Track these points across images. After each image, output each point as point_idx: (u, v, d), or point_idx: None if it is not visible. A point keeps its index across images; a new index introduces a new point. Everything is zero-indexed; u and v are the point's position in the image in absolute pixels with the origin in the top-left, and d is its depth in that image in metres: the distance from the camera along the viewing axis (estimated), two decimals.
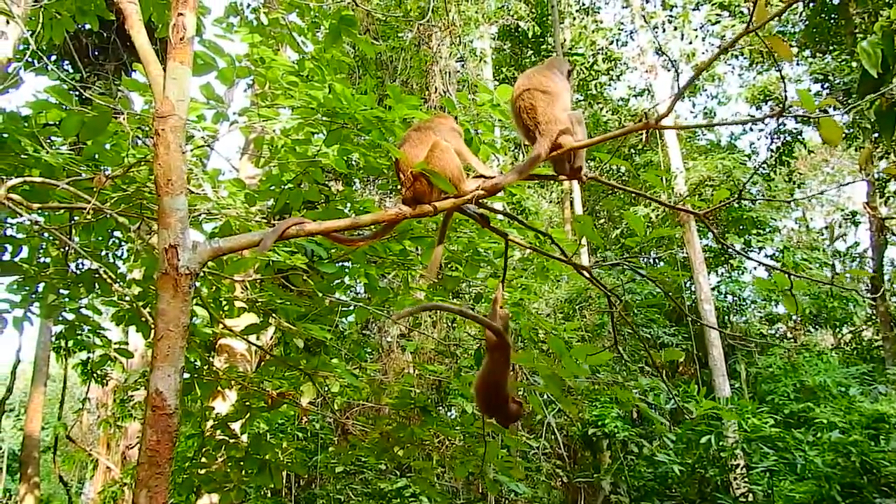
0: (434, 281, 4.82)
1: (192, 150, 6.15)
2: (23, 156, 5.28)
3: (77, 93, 5.93)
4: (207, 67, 4.89)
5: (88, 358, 10.68)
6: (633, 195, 20.04)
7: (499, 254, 5.55)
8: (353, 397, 6.91)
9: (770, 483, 11.19)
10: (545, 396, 12.81)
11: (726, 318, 19.48)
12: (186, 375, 6.37)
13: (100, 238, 6.05)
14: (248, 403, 6.70)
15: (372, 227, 3.45)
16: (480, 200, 3.45)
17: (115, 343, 7.03)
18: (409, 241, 5.91)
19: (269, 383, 6.58)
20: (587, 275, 3.92)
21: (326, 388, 6.59)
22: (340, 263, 5.99)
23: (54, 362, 12.07)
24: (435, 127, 3.43)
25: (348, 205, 6.25)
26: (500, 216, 4.52)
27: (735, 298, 19.10)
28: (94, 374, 11.31)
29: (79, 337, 6.74)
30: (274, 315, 5.69)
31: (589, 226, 3.61)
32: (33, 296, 6.85)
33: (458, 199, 3.36)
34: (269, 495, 9.63)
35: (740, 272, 19.42)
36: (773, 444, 10.49)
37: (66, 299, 6.30)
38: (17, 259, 6.52)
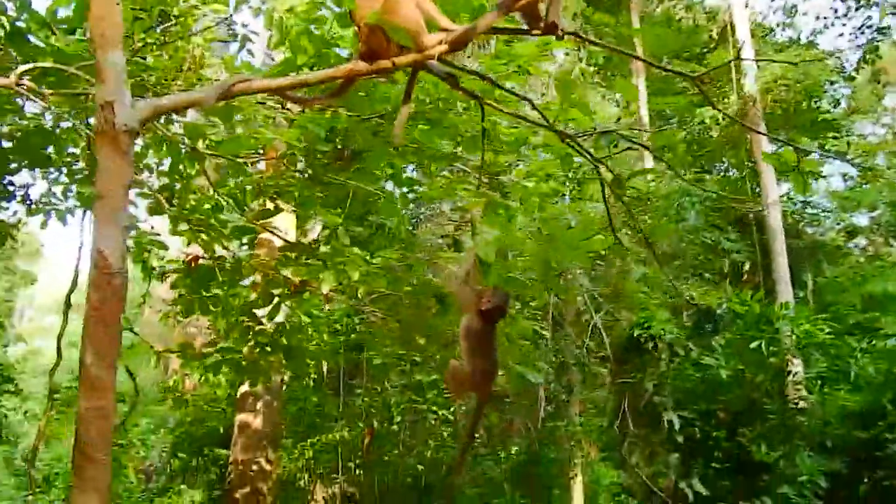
0: (402, 144, 4.56)
1: (201, 32, 6.02)
2: (38, 45, 5.26)
3: None
4: None
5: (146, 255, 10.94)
6: (703, 97, 18.98)
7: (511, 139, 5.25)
8: (373, 286, 6.86)
9: (822, 391, 10.83)
10: (591, 297, 12.60)
11: (798, 227, 18.64)
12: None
13: None
14: (272, 291, 6.73)
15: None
16: (446, 57, 3.19)
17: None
18: (424, 126, 5.69)
19: (291, 271, 6.56)
20: (575, 145, 3.64)
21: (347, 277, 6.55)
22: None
23: None
24: None
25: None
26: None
27: (806, 206, 18.16)
28: (153, 270, 11.61)
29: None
30: (276, 199, 5.62)
31: (569, 87, 3.32)
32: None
33: (419, 55, 3.10)
34: (310, 386, 9.91)
35: (815, 179, 18.39)
36: (826, 351, 10.07)
37: None
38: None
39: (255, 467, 8.59)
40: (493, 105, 3.65)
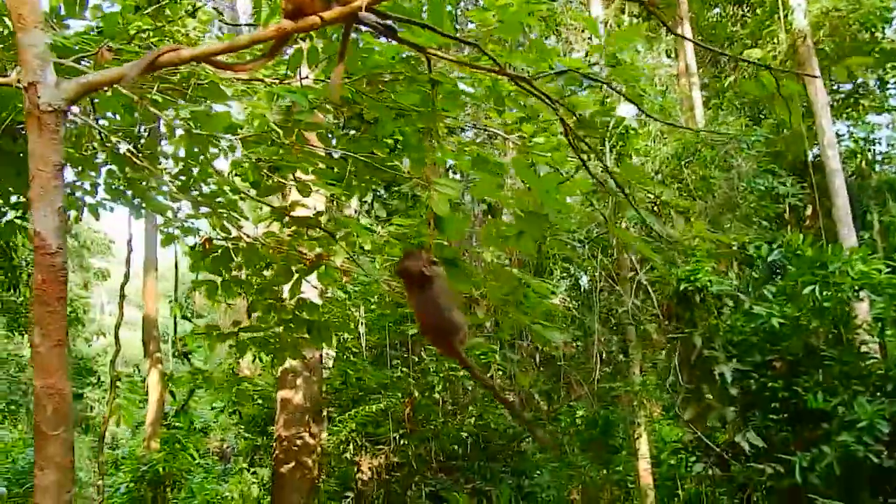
0: (339, 103, 4.43)
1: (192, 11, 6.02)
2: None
3: None
4: None
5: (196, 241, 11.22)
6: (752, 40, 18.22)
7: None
8: (389, 255, 6.80)
9: (883, 334, 10.31)
10: (638, 256, 12.29)
11: (862, 166, 17.71)
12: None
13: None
14: (291, 267, 6.77)
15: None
16: (376, 7, 3.08)
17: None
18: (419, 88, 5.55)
19: (305, 245, 6.57)
20: (533, 89, 3.47)
21: (361, 248, 6.54)
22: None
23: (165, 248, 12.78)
24: None
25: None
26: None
27: (870, 144, 17.23)
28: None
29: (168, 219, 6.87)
30: (274, 174, 5.60)
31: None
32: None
33: (346, 7, 3.00)
34: (350, 359, 9.99)
35: (877, 113, 17.43)
36: (882, 292, 9.56)
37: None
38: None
39: (298, 442, 8.74)
40: (438, 55, 3.51)
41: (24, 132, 6.78)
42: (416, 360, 9.50)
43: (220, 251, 6.60)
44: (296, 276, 6.79)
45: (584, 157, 3.90)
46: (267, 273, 7.43)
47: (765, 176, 14.58)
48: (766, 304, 10.41)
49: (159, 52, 2.98)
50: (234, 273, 6.87)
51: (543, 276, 13.78)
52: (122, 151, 5.92)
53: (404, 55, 4.32)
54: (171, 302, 13.37)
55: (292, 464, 8.66)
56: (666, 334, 11.35)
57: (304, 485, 8.64)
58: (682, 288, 10.69)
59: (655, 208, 13.11)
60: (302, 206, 6.61)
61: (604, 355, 14.04)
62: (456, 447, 10.51)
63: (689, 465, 10.97)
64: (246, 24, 7.26)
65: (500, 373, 9.69)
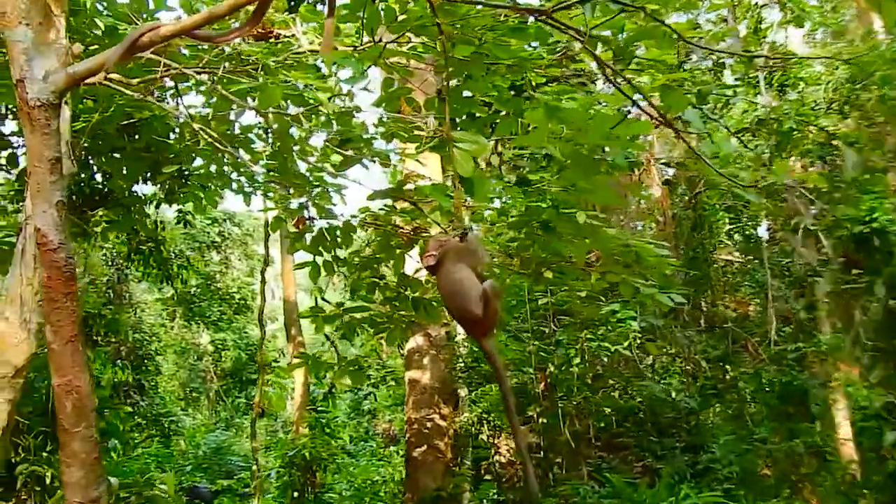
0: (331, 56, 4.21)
1: None
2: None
3: None
4: None
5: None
6: None
7: None
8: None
9: None
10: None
11: None
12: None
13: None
14: (390, 243, 6.77)
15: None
16: None
17: None
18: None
19: (401, 220, 6.54)
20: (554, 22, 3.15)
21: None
22: None
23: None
24: None
25: None
26: None
27: None
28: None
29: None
30: (345, 146, 5.57)
31: None
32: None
33: None
34: None
35: None
36: None
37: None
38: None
39: (429, 424, 8.80)
40: None
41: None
42: (550, 330, 9.26)
43: (316, 230, 6.72)
44: (397, 252, 6.82)
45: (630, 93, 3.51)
46: (368, 250, 7.50)
47: None
48: None
49: (138, 34, 2.99)
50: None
51: (702, 230, 12.99)
52: (210, 138, 6.06)
53: None
54: (314, 287, 13.86)
55: (424, 447, 8.74)
56: (842, 285, 10.32)
57: (438, 468, 8.71)
58: (855, 231, 9.67)
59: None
60: (417, 177, 6.56)
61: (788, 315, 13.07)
62: (601, 423, 10.17)
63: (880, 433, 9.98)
64: None
65: (637, 342, 9.20)
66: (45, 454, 7.90)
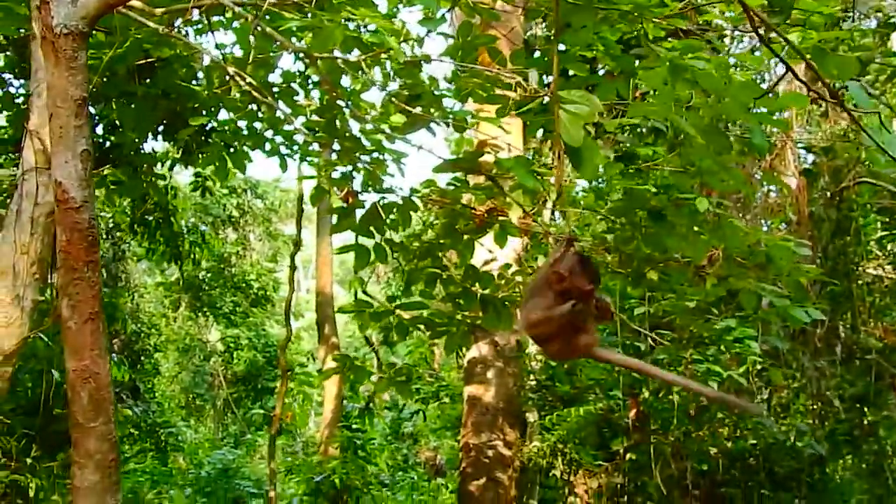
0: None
1: None
2: None
3: None
4: None
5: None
6: None
7: None
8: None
9: None
10: None
11: None
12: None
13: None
14: (455, 226, 6.79)
15: None
16: None
17: None
18: None
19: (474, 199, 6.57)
20: None
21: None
22: None
23: None
24: None
25: None
26: None
27: None
28: None
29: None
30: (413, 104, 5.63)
31: None
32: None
33: None
34: None
35: None
36: None
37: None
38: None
39: (490, 452, 8.84)
40: None
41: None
42: (646, 347, 9.21)
43: (368, 207, 6.76)
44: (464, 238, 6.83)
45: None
46: (430, 234, 7.55)
47: None
48: None
49: None
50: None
51: (847, 236, 12.76)
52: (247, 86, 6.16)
53: None
54: (353, 278, 14.00)
55: (483, 479, 8.78)
56: None
57: None
58: None
59: None
60: (495, 147, 6.57)
61: None
62: (733, 469, 10.15)
63: None
64: None
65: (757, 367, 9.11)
66: (28, 461, 8.13)
